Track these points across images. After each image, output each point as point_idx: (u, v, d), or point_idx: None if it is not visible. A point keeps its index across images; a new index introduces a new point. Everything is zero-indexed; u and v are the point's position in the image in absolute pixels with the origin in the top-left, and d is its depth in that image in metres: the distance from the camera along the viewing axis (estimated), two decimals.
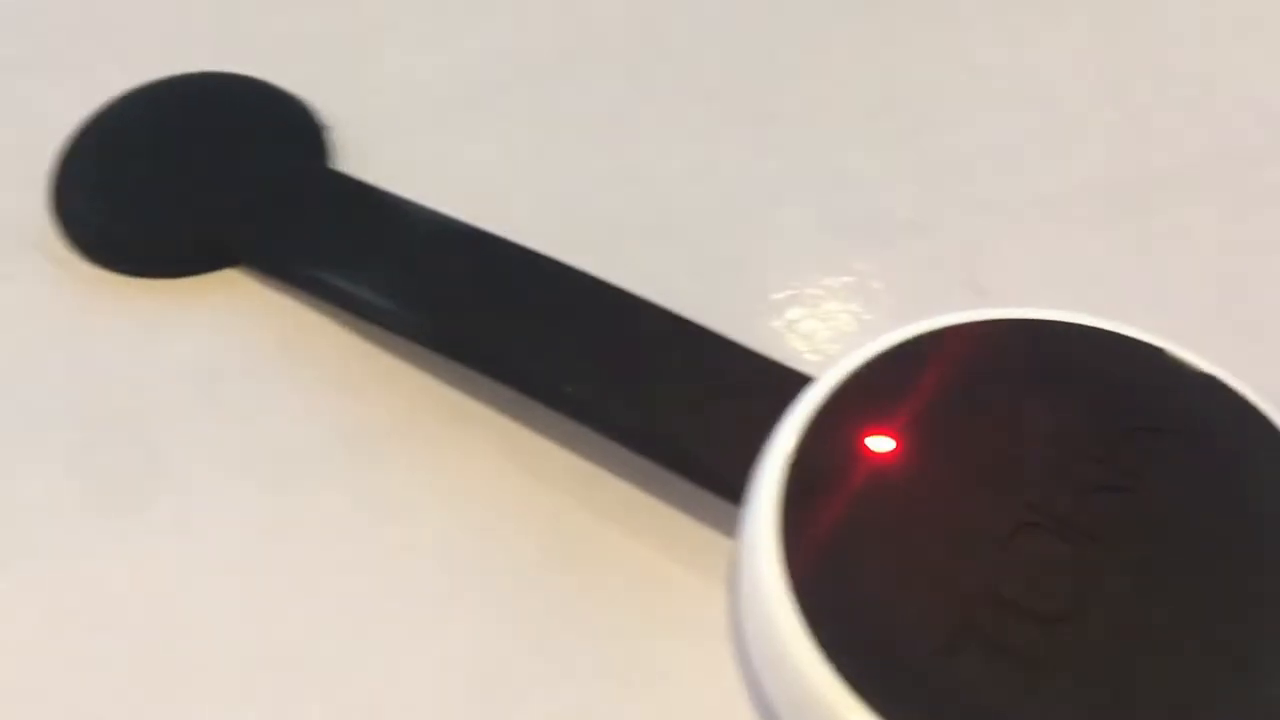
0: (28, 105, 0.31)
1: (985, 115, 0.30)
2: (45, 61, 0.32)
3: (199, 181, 0.29)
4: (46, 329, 0.27)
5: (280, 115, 0.30)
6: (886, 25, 0.32)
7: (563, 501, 0.25)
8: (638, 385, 0.24)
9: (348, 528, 0.24)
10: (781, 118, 0.30)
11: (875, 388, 0.23)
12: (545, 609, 0.24)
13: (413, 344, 0.26)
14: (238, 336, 0.27)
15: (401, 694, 0.23)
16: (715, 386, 0.24)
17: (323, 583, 0.24)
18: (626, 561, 0.24)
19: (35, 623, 0.24)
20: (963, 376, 0.23)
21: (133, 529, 0.24)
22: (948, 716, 0.19)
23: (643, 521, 0.24)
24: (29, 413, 0.26)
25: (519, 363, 0.25)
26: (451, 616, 0.24)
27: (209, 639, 0.23)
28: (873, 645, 0.20)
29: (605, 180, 0.29)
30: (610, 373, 0.24)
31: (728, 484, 0.23)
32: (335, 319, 0.27)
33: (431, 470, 0.25)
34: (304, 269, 0.27)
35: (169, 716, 0.23)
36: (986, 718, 0.19)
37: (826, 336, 0.23)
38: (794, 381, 0.23)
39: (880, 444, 0.22)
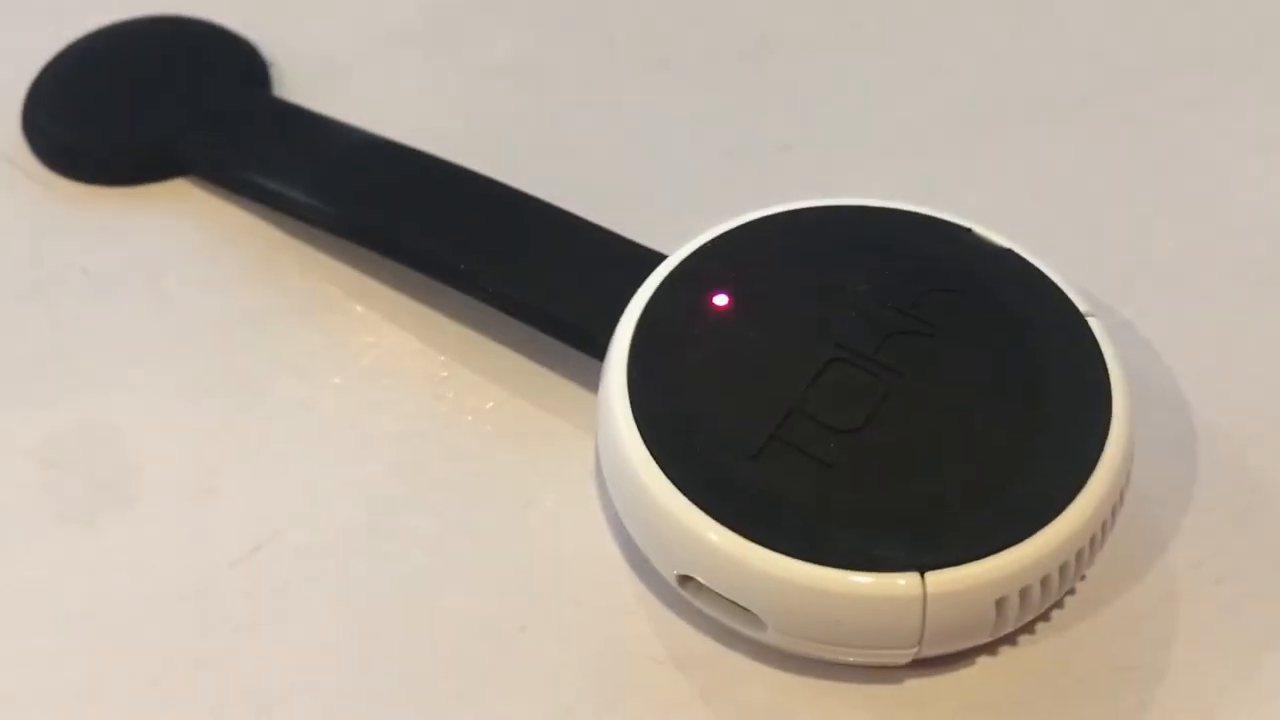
0: (4, 43, 0.35)
1: (857, 57, 0.34)
2: (19, 6, 0.36)
3: (152, 104, 0.32)
4: (13, 226, 0.31)
5: (229, 52, 0.34)
6: None
7: (454, 365, 0.28)
8: (522, 262, 0.28)
9: (261, 386, 0.28)
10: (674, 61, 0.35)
11: (716, 260, 0.26)
12: (438, 453, 0.27)
13: (330, 235, 0.30)
14: (182, 236, 0.31)
15: (312, 513, 0.26)
16: (587, 261, 0.28)
17: (238, 423, 0.28)
18: (508, 413, 0.28)
19: None
20: (792, 250, 0.27)
21: (83, 384, 0.28)
22: (756, 507, 0.23)
23: (524, 381, 0.28)
24: None
25: (420, 245, 0.29)
26: (356, 457, 0.27)
27: (150, 460, 0.27)
28: (698, 454, 0.24)
29: (522, 113, 0.33)
30: (499, 252, 0.28)
31: (595, 342, 0.26)
32: (268, 219, 0.31)
33: (340, 336, 0.29)
34: (242, 174, 0.31)
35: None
36: (787, 506, 0.23)
37: (685, 225, 0.27)
38: (651, 258, 0.27)
39: (715, 301, 0.26)
